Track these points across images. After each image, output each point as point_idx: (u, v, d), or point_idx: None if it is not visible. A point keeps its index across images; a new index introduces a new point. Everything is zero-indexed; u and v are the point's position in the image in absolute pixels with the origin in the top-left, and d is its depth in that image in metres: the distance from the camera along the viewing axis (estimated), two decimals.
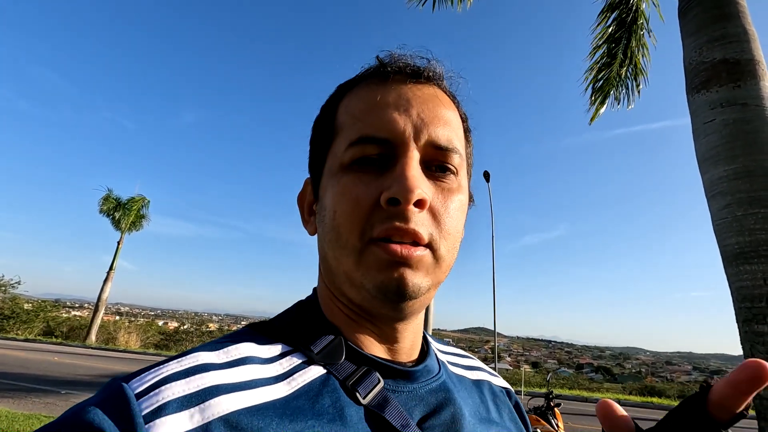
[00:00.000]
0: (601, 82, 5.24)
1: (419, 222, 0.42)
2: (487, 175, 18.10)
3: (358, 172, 0.44)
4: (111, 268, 22.48)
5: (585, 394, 14.69)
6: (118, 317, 46.73)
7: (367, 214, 0.42)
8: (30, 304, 27.61)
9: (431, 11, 5.78)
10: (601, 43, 5.06)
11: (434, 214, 0.44)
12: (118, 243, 22.89)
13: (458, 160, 0.47)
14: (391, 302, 0.42)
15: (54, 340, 21.32)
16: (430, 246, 0.43)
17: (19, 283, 28.83)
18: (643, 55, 5.17)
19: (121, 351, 18.35)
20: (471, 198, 0.53)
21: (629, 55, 5.07)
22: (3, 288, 27.93)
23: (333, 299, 0.49)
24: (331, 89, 0.54)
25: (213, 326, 39.51)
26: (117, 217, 22.80)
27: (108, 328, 23.37)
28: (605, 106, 5.36)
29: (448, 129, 0.46)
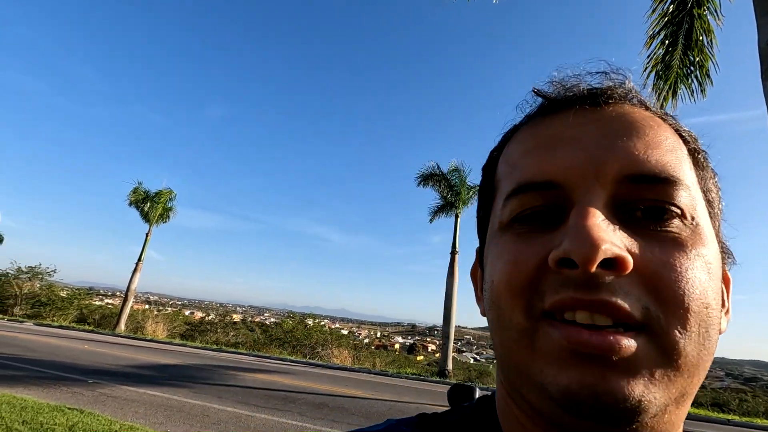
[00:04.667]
0: (664, 71, 4.84)
1: (618, 289, 0.27)
2: None
3: (518, 230, 0.33)
4: (139, 259, 23.09)
5: None
6: (147, 306, 48.31)
7: (530, 280, 0.30)
8: (65, 292, 28.78)
9: (467, 2, 5.50)
10: (658, 30, 4.65)
11: (650, 278, 0.28)
12: (147, 234, 23.49)
13: (685, 197, 0.30)
14: (592, 422, 0.27)
15: (86, 327, 22.08)
16: (647, 327, 0.27)
17: (54, 271, 30.08)
18: (709, 40, 4.73)
19: (148, 340, 18.79)
20: (726, 253, 0.35)
21: (694, 40, 4.65)
22: (40, 276, 29.20)
23: (510, 403, 0.35)
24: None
25: (237, 317, 40.35)
26: (145, 209, 23.42)
27: (137, 318, 24.08)
28: (677, 97, 4.95)
29: (656, 152, 0.31)
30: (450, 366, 16.08)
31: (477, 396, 2.09)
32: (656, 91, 4.98)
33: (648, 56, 4.89)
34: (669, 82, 4.83)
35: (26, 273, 28.33)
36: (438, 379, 14.78)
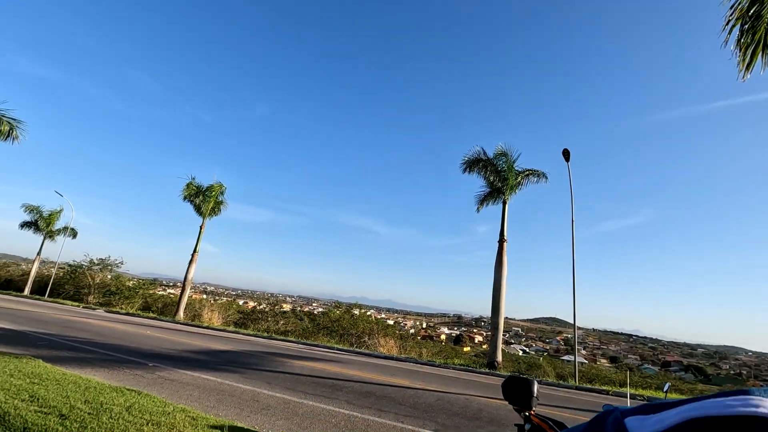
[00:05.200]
0: (752, 23, 4.09)
1: None
2: (566, 154, 16.60)
3: None
4: (195, 250, 24.29)
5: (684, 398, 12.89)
6: (204, 295, 51.19)
7: None
8: (131, 282, 31.07)
9: None
10: None
11: None
12: (201, 227, 24.65)
13: None
14: None
15: (150, 314, 23.62)
16: None
17: (122, 263, 32.49)
18: None
19: (204, 327, 19.77)
20: None
21: None
22: (109, 267, 31.67)
23: None
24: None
25: (286, 306, 41.63)
26: (198, 203, 24.58)
27: (194, 306, 25.45)
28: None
29: None
30: (499, 357, 15.58)
31: (535, 389, 1.60)
32: (741, 48, 4.31)
33: (731, 7, 4.23)
34: (758, 35, 4.16)
35: (98, 264, 30.89)
36: (487, 370, 14.37)
